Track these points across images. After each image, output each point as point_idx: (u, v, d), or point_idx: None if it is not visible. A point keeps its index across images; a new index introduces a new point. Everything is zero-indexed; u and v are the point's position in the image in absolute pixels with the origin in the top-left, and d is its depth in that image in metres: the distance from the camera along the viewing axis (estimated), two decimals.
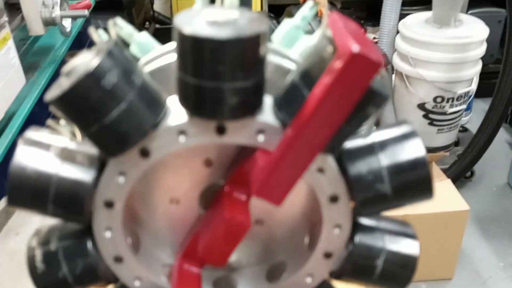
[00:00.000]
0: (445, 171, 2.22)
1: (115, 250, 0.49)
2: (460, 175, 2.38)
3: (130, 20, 2.62)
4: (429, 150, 2.33)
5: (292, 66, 0.51)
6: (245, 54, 0.39)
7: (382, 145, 0.47)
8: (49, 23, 1.75)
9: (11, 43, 1.53)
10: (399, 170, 0.46)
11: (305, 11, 0.55)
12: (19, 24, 1.74)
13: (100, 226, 0.48)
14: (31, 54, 1.90)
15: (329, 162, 0.46)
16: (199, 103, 0.42)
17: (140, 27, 2.69)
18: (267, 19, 0.41)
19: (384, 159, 0.46)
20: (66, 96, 0.40)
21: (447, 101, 2.31)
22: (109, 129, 0.41)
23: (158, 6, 3.14)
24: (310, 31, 0.56)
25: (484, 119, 2.29)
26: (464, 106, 2.38)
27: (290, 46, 0.55)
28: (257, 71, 0.41)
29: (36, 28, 1.73)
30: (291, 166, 0.42)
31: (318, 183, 0.47)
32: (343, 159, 0.46)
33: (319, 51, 0.41)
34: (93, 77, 0.39)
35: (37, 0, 1.69)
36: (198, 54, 0.39)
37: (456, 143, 2.55)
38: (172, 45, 0.53)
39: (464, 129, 2.68)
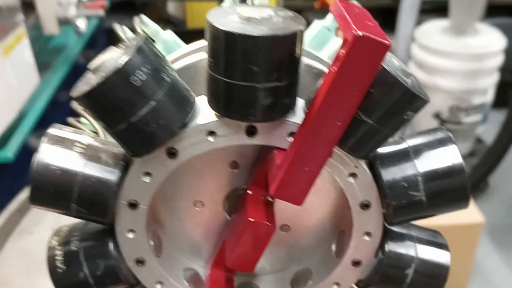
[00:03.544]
0: None
1: (137, 253, 0.48)
2: (475, 186, 2.36)
3: None
4: None
5: (322, 67, 0.49)
6: (281, 53, 0.38)
7: (416, 151, 0.45)
8: (64, 22, 1.75)
9: (26, 42, 1.53)
10: (434, 177, 0.44)
11: None
12: (34, 22, 1.74)
13: (123, 227, 0.47)
14: (44, 53, 1.90)
15: (362, 167, 0.44)
16: (230, 104, 0.40)
17: None
18: (303, 18, 0.40)
19: (419, 166, 0.44)
20: (94, 93, 0.38)
21: (463, 111, 2.29)
22: (137, 128, 0.40)
23: (172, 8, 3.13)
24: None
25: (500, 130, 2.26)
26: (479, 116, 2.36)
27: (320, 48, 0.53)
28: (292, 72, 0.40)
29: (51, 27, 1.73)
30: (307, 162, 0.40)
31: (350, 189, 0.45)
32: (376, 164, 0.45)
33: None
34: (122, 73, 0.38)
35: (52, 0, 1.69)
36: (232, 51, 0.38)
37: (471, 154, 2.53)
38: (198, 44, 0.52)
39: (479, 140, 2.65)
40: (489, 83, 2.30)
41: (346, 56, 0.35)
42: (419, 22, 2.51)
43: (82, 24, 1.79)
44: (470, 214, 1.89)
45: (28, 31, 1.55)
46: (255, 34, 0.37)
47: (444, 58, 2.23)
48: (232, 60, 0.38)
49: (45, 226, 0.97)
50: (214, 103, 0.41)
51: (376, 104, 0.39)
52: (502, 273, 2.10)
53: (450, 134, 0.46)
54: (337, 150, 0.43)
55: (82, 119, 0.57)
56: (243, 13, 0.39)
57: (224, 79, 0.39)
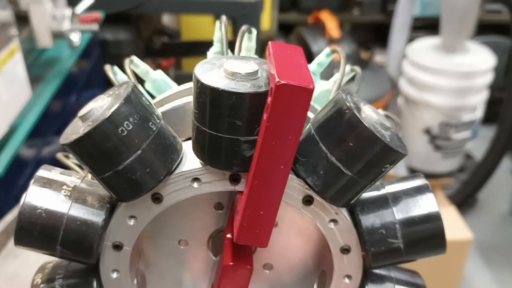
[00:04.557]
0: (448, 197, 2.21)
1: None
2: (464, 202, 2.38)
3: (138, 33, 2.63)
4: (433, 175, 2.33)
5: None
6: (262, 108, 0.39)
7: (395, 198, 0.46)
8: (57, 36, 1.76)
9: (19, 56, 1.54)
10: (412, 224, 0.45)
11: (321, 58, 0.54)
12: (27, 35, 1.74)
13: (107, 267, 0.47)
14: (37, 66, 1.90)
15: (343, 214, 0.45)
16: (214, 154, 0.41)
17: (147, 41, 2.69)
18: None
19: (397, 213, 0.46)
20: (82, 141, 0.39)
21: (452, 127, 2.31)
22: (123, 175, 0.41)
23: (166, 20, 3.14)
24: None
25: (489, 146, 2.29)
26: (469, 133, 2.38)
27: None
28: None
29: (45, 41, 1.73)
30: (260, 206, 0.41)
31: (331, 234, 0.46)
32: (356, 211, 0.46)
33: (335, 103, 0.41)
34: (110, 123, 0.39)
35: (47, 14, 1.70)
36: (216, 106, 0.39)
37: (461, 170, 2.55)
38: (187, 85, 0.53)
39: (468, 156, 2.68)
40: (479, 100, 2.32)
41: (272, 104, 0.36)
42: (410, 39, 2.53)
43: (75, 37, 1.79)
44: (459, 230, 1.90)
45: (21, 44, 1.56)
46: (239, 91, 0.38)
47: (435, 75, 2.26)
48: (217, 114, 0.39)
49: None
50: (199, 152, 0.43)
51: (355, 157, 0.41)
52: None
53: (428, 182, 0.47)
54: (318, 198, 0.44)
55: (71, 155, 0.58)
56: (229, 68, 0.40)
57: (209, 131, 0.40)
